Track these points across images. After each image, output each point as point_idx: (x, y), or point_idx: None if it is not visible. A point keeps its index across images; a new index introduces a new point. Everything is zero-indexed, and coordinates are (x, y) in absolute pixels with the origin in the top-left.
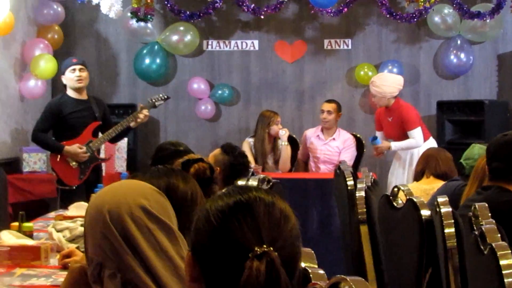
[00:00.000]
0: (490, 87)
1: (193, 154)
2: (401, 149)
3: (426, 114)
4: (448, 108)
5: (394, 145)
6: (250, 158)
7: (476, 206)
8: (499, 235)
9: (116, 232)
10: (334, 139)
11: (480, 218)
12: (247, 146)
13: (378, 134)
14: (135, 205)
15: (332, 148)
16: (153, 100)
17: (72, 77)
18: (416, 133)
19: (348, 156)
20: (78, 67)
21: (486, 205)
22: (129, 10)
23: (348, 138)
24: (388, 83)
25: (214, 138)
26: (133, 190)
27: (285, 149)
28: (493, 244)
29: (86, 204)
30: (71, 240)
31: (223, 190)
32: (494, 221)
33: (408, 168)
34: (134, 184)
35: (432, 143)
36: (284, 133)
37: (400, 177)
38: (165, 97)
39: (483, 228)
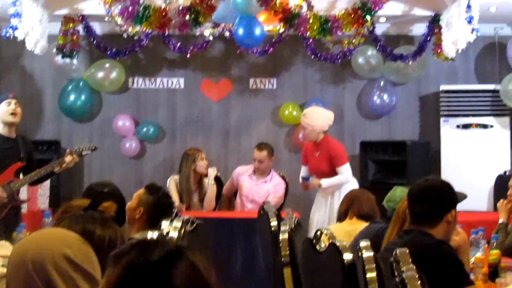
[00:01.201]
0: (413, 127)
1: (118, 194)
2: (331, 185)
3: (350, 154)
4: (371, 148)
5: (324, 182)
6: (176, 196)
7: (398, 251)
8: (419, 282)
9: (39, 281)
10: (266, 181)
11: (401, 264)
12: (173, 183)
13: (304, 169)
14: (59, 254)
15: (262, 190)
16: (80, 150)
17: (7, 110)
18: (345, 169)
19: (275, 199)
20: (14, 101)
21: (407, 250)
22: (55, 46)
23: (279, 183)
24: (320, 116)
25: (138, 175)
26: (56, 238)
27: (212, 188)
28: None
29: (6, 243)
30: None
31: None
32: (414, 267)
33: (330, 208)
34: (57, 232)
35: (353, 183)
36: (212, 172)
37: (322, 216)
38: (93, 147)
39: (403, 276)
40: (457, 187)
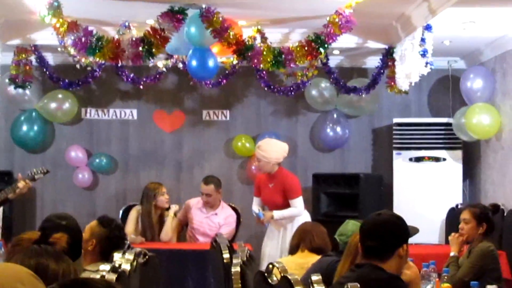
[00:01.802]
0: (365, 160)
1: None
2: (283, 218)
3: (303, 186)
4: (324, 181)
5: (277, 214)
6: (133, 227)
7: (349, 286)
8: None
9: None
10: (216, 214)
11: None
12: (135, 214)
13: (256, 200)
14: None
15: (213, 223)
16: (33, 173)
17: None
18: (298, 202)
19: (227, 231)
20: None
21: (358, 285)
22: (8, 76)
23: (230, 214)
24: (275, 148)
25: (91, 206)
26: (8, 274)
27: (171, 221)
28: None
29: None
30: None
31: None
32: None
33: (282, 240)
34: (9, 267)
35: (306, 216)
36: (174, 207)
37: (274, 248)
38: (45, 170)
39: None
40: (409, 220)
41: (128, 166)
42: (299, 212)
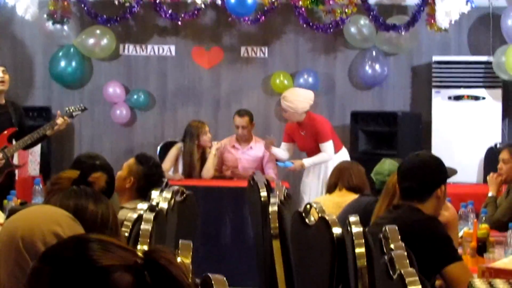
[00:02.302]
0: (404, 98)
1: (107, 166)
2: (314, 164)
3: (340, 124)
4: (362, 119)
5: (307, 161)
6: (170, 164)
7: (387, 228)
8: (407, 261)
9: (29, 259)
10: (251, 147)
11: (390, 241)
12: (176, 151)
13: (285, 145)
14: (49, 231)
15: (250, 157)
16: (71, 110)
17: None
18: (328, 146)
19: (272, 171)
20: (1, 68)
21: (396, 227)
22: (46, 12)
23: (272, 140)
24: (300, 98)
25: (128, 143)
26: (46, 216)
27: (212, 158)
28: (402, 271)
29: None
30: None
31: None
32: (403, 245)
33: (321, 179)
34: (47, 210)
35: (344, 154)
36: (217, 146)
37: (314, 187)
38: (83, 107)
39: (392, 254)
40: (447, 159)
41: (165, 103)
42: (329, 157)
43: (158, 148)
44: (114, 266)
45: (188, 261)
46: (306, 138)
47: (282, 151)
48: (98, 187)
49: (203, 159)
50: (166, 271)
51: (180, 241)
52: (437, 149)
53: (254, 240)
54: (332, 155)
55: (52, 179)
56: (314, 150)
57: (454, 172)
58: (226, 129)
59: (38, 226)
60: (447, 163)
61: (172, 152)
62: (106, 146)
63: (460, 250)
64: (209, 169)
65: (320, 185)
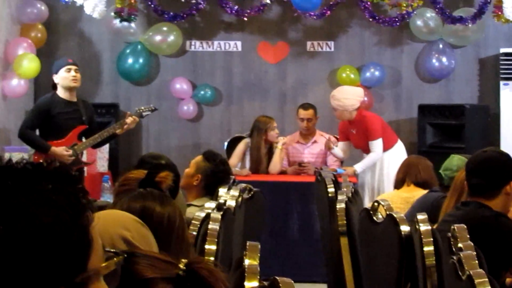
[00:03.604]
0: (471, 91)
1: (173, 165)
2: (366, 167)
3: (407, 117)
4: (429, 112)
5: (358, 167)
6: (237, 159)
7: (456, 227)
8: (476, 261)
9: None
10: (315, 141)
11: (458, 240)
12: (243, 146)
13: (341, 144)
14: (117, 236)
15: (314, 150)
16: (140, 110)
17: (68, 76)
18: (376, 144)
19: (334, 161)
20: (73, 67)
21: (465, 226)
22: (113, 10)
23: (330, 137)
24: (348, 95)
25: (195, 138)
26: (115, 221)
27: (279, 153)
28: (471, 272)
29: None
30: None
31: None
32: (472, 244)
33: (377, 173)
34: (116, 214)
35: (399, 147)
36: (284, 141)
37: (369, 183)
38: (153, 108)
39: (461, 255)
40: None
41: (232, 98)
42: (377, 155)
43: (225, 143)
44: (156, 279)
45: (255, 262)
46: (357, 137)
47: (340, 152)
48: (166, 186)
49: (270, 154)
50: (206, 282)
51: (247, 243)
52: (505, 142)
53: (321, 236)
54: (381, 154)
55: (119, 180)
56: (367, 147)
57: None
58: (292, 124)
59: (107, 231)
60: None
61: (240, 148)
62: (173, 142)
63: None
64: (276, 164)
65: (376, 180)
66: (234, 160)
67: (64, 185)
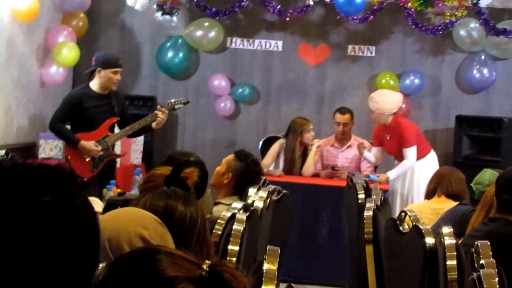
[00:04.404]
0: (511, 104)
1: (200, 162)
2: (399, 174)
3: (445, 127)
4: (467, 123)
5: (391, 174)
6: (271, 159)
7: (479, 243)
8: (496, 280)
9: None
10: (350, 146)
11: (481, 256)
12: (278, 147)
13: (375, 150)
14: (135, 234)
15: (348, 155)
16: (173, 103)
17: (113, 78)
18: (410, 152)
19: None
20: (120, 70)
21: (488, 243)
22: (155, 2)
23: (363, 142)
24: (387, 99)
25: (231, 135)
26: (134, 219)
27: (313, 155)
28: None
29: (96, 199)
30: None
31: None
32: (494, 262)
33: (407, 182)
34: (136, 212)
35: (432, 157)
36: (319, 143)
37: (399, 191)
38: (185, 101)
39: (481, 272)
40: None
41: (269, 97)
42: (410, 164)
43: (260, 142)
44: (179, 278)
45: (274, 267)
46: (391, 142)
47: (372, 157)
48: (191, 182)
49: (304, 156)
50: (229, 286)
51: (268, 247)
52: None
53: (348, 241)
54: (414, 161)
55: (146, 175)
56: (400, 154)
57: None
58: (328, 127)
59: (126, 229)
60: None
61: (274, 148)
62: (208, 137)
63: None
64: (309, 166)
65: (406, 188)
66: (267, 160)
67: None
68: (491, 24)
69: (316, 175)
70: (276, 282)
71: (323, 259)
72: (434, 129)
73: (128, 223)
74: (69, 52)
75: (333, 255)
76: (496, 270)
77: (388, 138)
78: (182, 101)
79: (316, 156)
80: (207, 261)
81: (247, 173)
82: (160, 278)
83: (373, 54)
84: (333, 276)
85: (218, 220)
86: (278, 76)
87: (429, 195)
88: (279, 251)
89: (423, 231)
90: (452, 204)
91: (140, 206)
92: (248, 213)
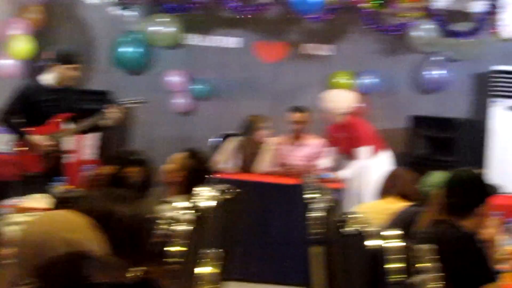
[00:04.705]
0: (464, 105)
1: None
2: (353, 173)
3: (400, 127)
4: (422, 123)
5: (346, 173)
6: (226, 157)
7: (423, 247)
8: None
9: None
10: (305, 144)
11: (424, 260)
12: (231, 144)
13: (329, 149)
14: (60, 239)
15: (303, 153)
16: (127, 102)
17: (72, 74)
18: (363, 152)
19: (324, 163)
20: (80, 66)
21: (433, 246)
22: None
23: (319, 142)
24: (340, 99)
25: (187, 132)
26: (64, 223)
27: (268, 153)
28: None
29: (41, 196)
30: None
31: None
32: (437, 265)
33: (362, 182)
34: (67, 216)
35: (386, 156)
36: (274, 141)
37: (355, 191)
38: (141, 101)
39: (422, 276)
40: (505, 169)
41: (226, 94)
42: (365, 162)
43: (216, 139)
44: (105, 284)
45: (217, 270)
46: (345, 141)
47: (328, 163)
48: (134, 181)
49: (258, 154)
50: None
51: (209, 250)
52: (494, 158)
53: (299, 240)
54: (368, 160)
55: (90, 175)
56: (354, 153)
57: (495, 189)
58: (284, 125)
59: (55, 233)
60: (504, 172)
61: (229, 144)
62: (163, 134)
63: (506, 266)
64: (264, 163)
65: (361, 187)
66: (222, 156)
67: None
68: (445, 25)
69: (271, 172)
70: (217, 285)
71: (277, 257)
72: (390, 128)
73: (58, 227)
74: (24, 45)
75: (286, 253)
76: (440, 273)
77: (342, 137)
78: (137, 101)
79: (271, 154)
80: (138, 268)
81: (198, 171)
82: (86, 284)
83: (330, 53)
84: (286, 274)
85: (163, 220)
86: (235, 73)
87: (381, 194)
88: (222, 254)
89: (366, 234)
90: (404, 204)
91: (79, 207)
92: (196, 212)
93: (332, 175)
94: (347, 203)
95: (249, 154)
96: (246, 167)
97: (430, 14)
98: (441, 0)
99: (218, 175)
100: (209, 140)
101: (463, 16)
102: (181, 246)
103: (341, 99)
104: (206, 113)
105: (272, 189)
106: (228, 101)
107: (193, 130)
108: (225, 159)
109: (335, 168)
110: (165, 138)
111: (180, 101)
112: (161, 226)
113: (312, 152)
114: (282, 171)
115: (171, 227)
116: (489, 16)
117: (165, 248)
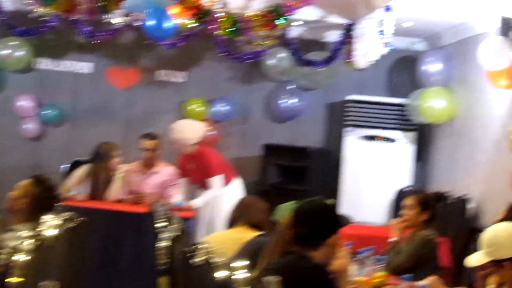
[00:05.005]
0: (318, 134)
1: None
2: (204, 203)
3: (253, 155)
4: (275, 152)
5: (196, 202)
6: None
7: (270, 279)
8: None
9: None
10: (156, 172)
11: None
12: (82, 172)
13: (180, 180)
14: None
15: (155, 181)
16: None
17: None
18: (215, 181)
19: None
20: None
21: (279, 278)
22: None
23: (171, 170)
24: (190, 129)
25: (37, 158)
26: None
27: (119, 180)
28: None
29: None
30: None
31: None
32: None
33: (215, 211)
34: None
35: (237, 185)
36: (125, 169)
37: (207, 220)
38: None
39: None
40: (357, 198)
41: (77, 120)
42: (216, 192)
43: (66, 165)
44: None
45: None
46: (196, 171)
47: (180, 197)
48: None
49: (109, 181)
50: None
51: (49, 282)
52: (347, 187)
53: (150, 269)
54: (220, 190)
55: None
56: (205, 182)
57: (347, 220)
58: (136, 152)
59: None
60: (356, 202)
61: (79, 172)
62: (12, 160)
63: None
64: (115, 191)
65: (212, 216)
66: (71, 183)
67: None
68: (299, 54)
69: (121, 200)
70: None
71: (126, 287)
72: (242, 157)
73: None
74: None
75: (135, 282)
76: None
77: (192, 166)
78: None
79: (122, 181)
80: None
81: (43, 199)
82: None
83: (183, 80)
84: None
85: (3, 250)
86: (87, 99)
87: (231, 224)
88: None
89: (215, 265)
90: (254, 233)
91: None
92: (36, 242)
93: (184, 203)
94: (199, 232)
95: (100, 181)
96: (97, 195)
97: (285, 42)
98: (296, 29)
99: (66, 203)
100: (61, 166)
101: (318, 45)
102: (19, 277)
103: (190, 130)
104: (57, 139)
105: (122, 217)
106: (80, 127)
107: (43, 156)
108: (75, 186)
109: (188, 197)
110: (14, 165)
111: (29, 126)
112: (1, 256)
113: (163, 180)
114: (133, 199)
115: (12, 257)
116: (344, 46)
117: (5, 280)
